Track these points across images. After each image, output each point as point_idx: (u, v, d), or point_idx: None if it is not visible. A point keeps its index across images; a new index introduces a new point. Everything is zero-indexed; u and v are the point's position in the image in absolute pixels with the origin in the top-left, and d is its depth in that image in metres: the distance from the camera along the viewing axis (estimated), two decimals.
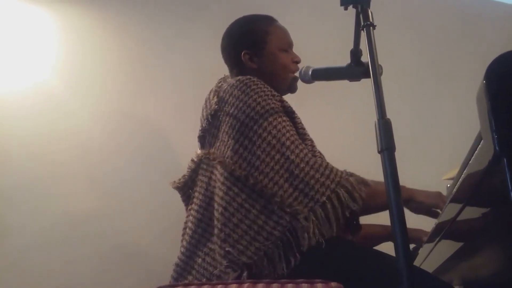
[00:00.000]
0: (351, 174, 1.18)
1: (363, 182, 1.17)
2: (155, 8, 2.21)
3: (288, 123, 1.23)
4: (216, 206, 1.20)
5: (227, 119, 1.24)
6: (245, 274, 1.10)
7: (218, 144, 1.27)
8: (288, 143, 1.17)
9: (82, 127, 1.97)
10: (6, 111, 1.89)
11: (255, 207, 1.14)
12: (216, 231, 1.17)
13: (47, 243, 1.81)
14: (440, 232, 1.08)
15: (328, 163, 1.19)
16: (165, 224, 1.84)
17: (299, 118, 1.29)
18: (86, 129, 1.98)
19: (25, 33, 1.99)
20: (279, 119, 1.20)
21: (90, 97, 2.02)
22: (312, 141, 1.29)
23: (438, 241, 1.13)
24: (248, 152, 1.18)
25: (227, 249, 1.13)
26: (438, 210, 1.32)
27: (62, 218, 1.85)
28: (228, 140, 1.22)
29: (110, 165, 1.97)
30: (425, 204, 1.28)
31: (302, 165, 1.14)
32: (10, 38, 1.97)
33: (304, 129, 1.29)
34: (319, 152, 1.29)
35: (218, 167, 1.22)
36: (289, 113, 1.27)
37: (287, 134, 1.19)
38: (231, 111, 1.24)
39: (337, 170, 1.17)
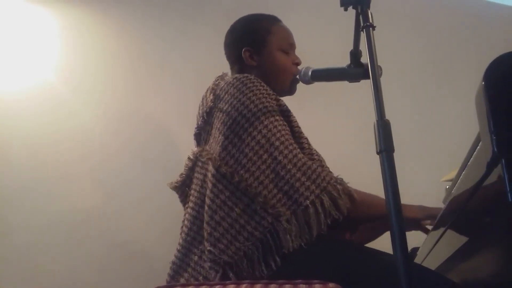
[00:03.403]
0: (340, 182, 1.15)
1: (349, 194, 1.14)
2: (157, 7, 2.21)
3: (281, 123, 1.21)
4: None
5: (220, 115, 1.24)
6: (231, 275, 1.08)
7: (211, 141, 1.26)
8: (277, 143, 1.15)
9: (84, 126, 1.97)
10: (7, 110, 1.89)
11: (238, 206, 1.12)
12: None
13: (49, 242, 1.81)
14: (440, 233, 1.08)
15: (318, 166, 1.16)
16: (168, 223, 1.83)
17: (294, 117, 1.27)
18: (88, 128, 1.98)
19: (27, 33, 1.99)
20: (272, 119, 1.19)
21: (92, 97, 2.02)
22: (307, 139, 1.28)
23: (438, 241, 1.13)
24: (237, 150, 1.16)
25: (208, 248, 1.12)
26: (427, 225, 1.32)
27: (64, 217, 1.85)
28: (219, 136, 1.22)
29: (112, 164, 1.97)
30: (410, 219, 1.25)
31: (289, 166, 1.12)
32: (11, 37, 1.97)
33: (299, 127, 1.27)
34: (315, 150, 1.27)
35: (209, 163, 1.21)
36: (285, 113, 1.25)
37: (278, 134, 1.17)
38: (224, 108, 1.23)
39: (326, 175, 1.14)
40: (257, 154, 1.14)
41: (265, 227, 1.09)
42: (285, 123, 1.23)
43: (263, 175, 1.12)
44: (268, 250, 1.08)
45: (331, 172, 1.20)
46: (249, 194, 1.11)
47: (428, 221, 1.30)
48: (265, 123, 1.17)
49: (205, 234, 1.14)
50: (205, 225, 1.16)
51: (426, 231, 1.33)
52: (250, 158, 1.14)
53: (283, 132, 1.18)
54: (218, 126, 1.23)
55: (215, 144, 1.23)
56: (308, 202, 1.09)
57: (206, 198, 1.19)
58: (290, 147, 1.16)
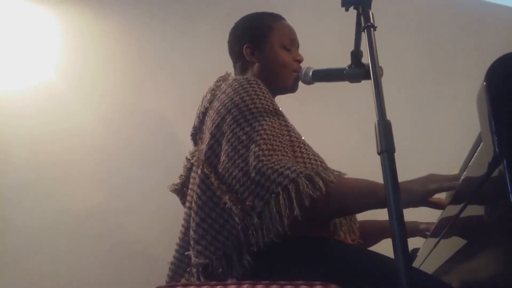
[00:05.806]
0: (319, 170, 1.05)
1: (328, 179, 1.03)
2: (157, 7, 2.22)
3: (270, 123, 1.16)
4: None
5: (211, 113, 1.23)
6: (201, 278, 1.07)
7: (204, 139, 1.25)
8: (257, 138, 1.10)
9: (85, 126, 1.98)
10: (9, 110, 1.89)
11: (218, 206, 1.10)
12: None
13: (48, 242, 1.81)
14: (441, 232, 1.08)
15: (295, 163, 1.08)
16: (168, 223, 1.83)
17: (289, 122, 1.25)
18: (89, 128, 1.98)
19: (27, 32, 1.99)
20: (261, 119, 1.15)
21: (92, 96, 2.02)
22: (300, 143, 1.22)
23: (439, 241, 1.13)
24: (221, 149, 1.14)
25: (186, 253, 1.12)
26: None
27: (64, 217, 1.85)
28: (207, 134, 1.21)
29: (113, 164, 1.98)
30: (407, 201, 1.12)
31: (263, 157, 1.06)
32: (12, 37, 1.97)
33: (294, 131, 1.24)
34: (312, 154, 1.23)
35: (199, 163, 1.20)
36: (279, 117, 1.21)
37: (261, 132, 1.12)
38: (216, 106, 1.22)
39: (303, 166, 1.06)
40: (234, 149, 1.11)
41: (237, 224, 1.06)
42: (279, 123, 1.18)
43: (237, 169, 1.09)
44: (243, 248, 1.05)
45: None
46: (228, 192, 1.08)
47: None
48: (250, 121, 1.14)
49: (186, 239, 1.15)
50: (187, 226, 1.16)
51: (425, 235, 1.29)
52: (231, 157, 1.11)
53: (271, 131, 1.14)
54: (208, 124, 1.23)
55: (205, 142, 1.22)
56: (280, 188, 1.02)
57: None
58: (272, 140, 1.10)
